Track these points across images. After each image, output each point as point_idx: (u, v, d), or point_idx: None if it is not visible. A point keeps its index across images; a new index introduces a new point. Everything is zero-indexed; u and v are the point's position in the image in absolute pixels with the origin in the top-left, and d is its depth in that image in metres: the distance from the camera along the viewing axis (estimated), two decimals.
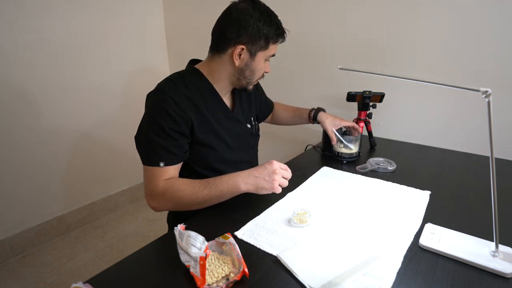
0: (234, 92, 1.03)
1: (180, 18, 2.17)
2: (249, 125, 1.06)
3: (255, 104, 1.13)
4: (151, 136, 0.83)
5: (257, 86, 1.17)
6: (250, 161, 1.09)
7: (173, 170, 0.86)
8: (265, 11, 0.88)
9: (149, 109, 0.87)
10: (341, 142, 1.14)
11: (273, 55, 0.95)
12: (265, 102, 1.24)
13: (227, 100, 0.99)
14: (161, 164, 0.83)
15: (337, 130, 1.16)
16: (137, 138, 0.87)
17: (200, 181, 0.83)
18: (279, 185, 0.79)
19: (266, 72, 0.98)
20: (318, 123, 1.21)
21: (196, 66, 0.96)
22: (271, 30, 0.87)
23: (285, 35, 0.93)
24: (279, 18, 0.91)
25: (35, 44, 1.65)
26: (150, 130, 0.84)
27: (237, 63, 0.88)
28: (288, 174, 0.82)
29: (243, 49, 0.87)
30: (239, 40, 0.86)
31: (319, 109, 1.21)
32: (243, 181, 0.79)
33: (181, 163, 0.89)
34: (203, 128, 0.89)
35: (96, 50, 1.91)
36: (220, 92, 0.95)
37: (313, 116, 1.21)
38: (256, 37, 0.86)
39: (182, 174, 0.94)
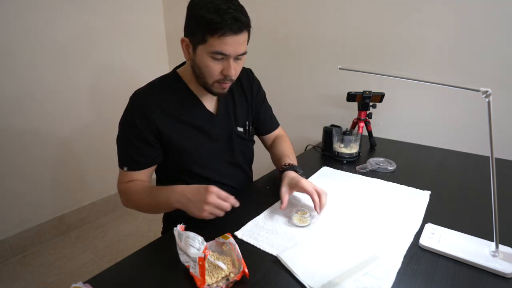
0: None
1: (180, 18, 2.15)
2: (241, 129, 0.99)
3: (252, 107, 1.02)
4: (120, 140, 0.88)
5: (259, 90, 1.06)
6: (239, 165, 1.01)
7: (137, 174, 0.87)
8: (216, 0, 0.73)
9: (123, 112, 0.87)
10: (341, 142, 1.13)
11: (222, 53, 0.75)
12: (264, 118, 1.08)
13: (210, 102, 0.93)
14: (125, 168, 0.87)
15: (337, 130, 1.16)
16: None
17: (149, 188, 0.83)
18: (211, 213, 0.71)
19: (226, 75, 0.79)
20: None
21: (178, 70, 0.92)
22: (209, 20, 0.72)
23: (230, 27, 0.72)
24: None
25: (35, 44, 1.64)
26: (120, 134, 0.88)
27: (185, 56, 0.84)
28: (226, 205, 0.71)
29: (186, 41, 0.81)
30: (185, 32, 0.81)
31: (290, 168, 0.92)
32: (175, 199, 0.76)
33: (149, 168, 0.89)
34: (177, 134, 0.86)
35: (96, 50, 1.91)
36: (198, 94, 0.89)
37: (282, 172, 0.92)
38: (194, 28, 0.77)
39: (161, 177, 0.97)
